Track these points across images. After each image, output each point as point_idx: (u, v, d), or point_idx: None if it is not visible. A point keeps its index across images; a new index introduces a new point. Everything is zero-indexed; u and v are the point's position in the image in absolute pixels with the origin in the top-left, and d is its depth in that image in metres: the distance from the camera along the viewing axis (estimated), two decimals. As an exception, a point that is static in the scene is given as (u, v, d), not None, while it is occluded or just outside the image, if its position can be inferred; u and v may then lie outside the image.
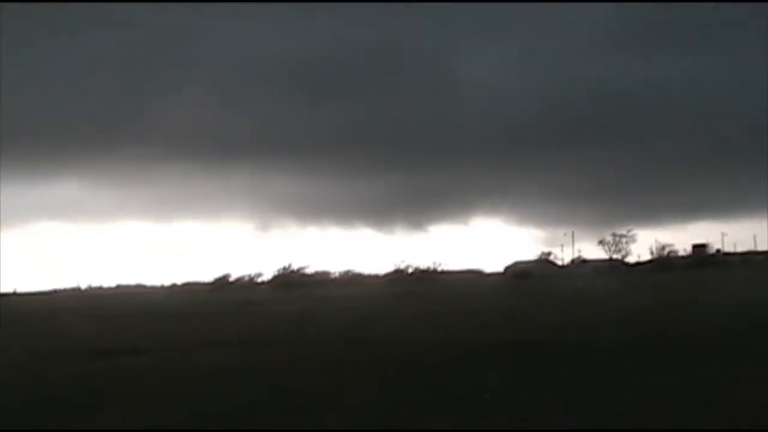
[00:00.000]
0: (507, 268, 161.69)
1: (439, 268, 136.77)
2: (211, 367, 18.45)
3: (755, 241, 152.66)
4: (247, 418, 12.02)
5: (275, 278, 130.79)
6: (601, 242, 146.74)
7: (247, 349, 21.95)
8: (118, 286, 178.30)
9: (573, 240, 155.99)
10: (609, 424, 10.80)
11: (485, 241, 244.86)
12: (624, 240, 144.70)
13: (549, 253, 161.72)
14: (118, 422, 12.00)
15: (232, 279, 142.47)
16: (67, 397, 14.63)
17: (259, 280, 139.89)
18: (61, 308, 67.79)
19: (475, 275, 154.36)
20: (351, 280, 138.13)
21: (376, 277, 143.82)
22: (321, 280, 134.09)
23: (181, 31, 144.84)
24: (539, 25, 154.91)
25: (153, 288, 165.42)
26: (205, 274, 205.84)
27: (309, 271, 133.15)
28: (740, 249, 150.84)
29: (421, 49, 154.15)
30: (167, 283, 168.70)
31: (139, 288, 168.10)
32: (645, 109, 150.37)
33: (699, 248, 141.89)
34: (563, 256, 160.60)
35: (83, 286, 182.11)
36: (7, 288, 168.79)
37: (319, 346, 22.41)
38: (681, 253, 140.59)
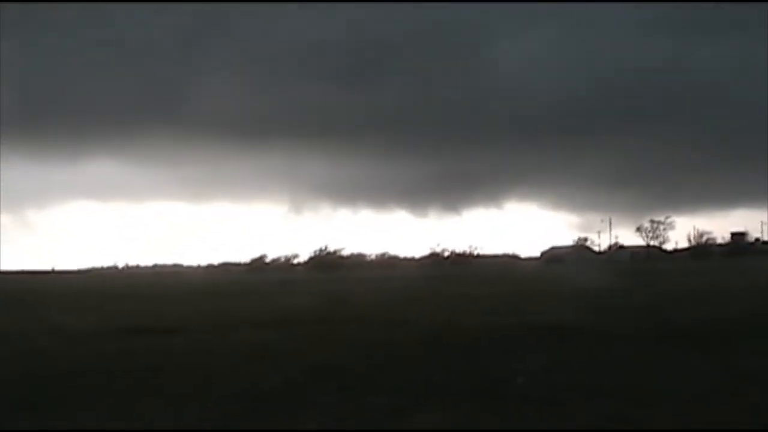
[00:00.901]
0: (543, 253, 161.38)
1: (475, 253, 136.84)
2: (247, 347, 18.65)
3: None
4: (282, 397, 12.17)
5: (311, 260, 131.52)
6: (638, 229, 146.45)
7: (284, 329, 22.14)
8: (155, 266, 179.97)
9: (610, 226, 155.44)
10: (639, 408, 10.87)
11: (520, 226, 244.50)
12: (662, 227, 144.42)
13: (586, 239, 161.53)
14: (154, 402, 12.16)
15: (268, 260, 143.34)
16: (106, 374, 14.85)
17: (295, 261, 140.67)
18: (99, 286, 68.46)
19: (511, 260, 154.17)
20: (387, 262, 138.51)
21: (411, 260, 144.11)
22: (357, 262, 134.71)
23: (216, 14, 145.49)
24: (574, 12, 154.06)
25: (189, 268, 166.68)
26: (240, 254, 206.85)
27: (345, 253, 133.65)
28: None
29: (456, 34, 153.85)
30: (203, 263, 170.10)
31: (176, 268, 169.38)
32: (685, 96, 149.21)
33: (737, 236, 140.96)
34: (600, 242, 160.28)
35: (120, 265, 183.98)
36: (45, 266, 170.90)
37: (355, 327, 22.56)
38: (719, 240, 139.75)
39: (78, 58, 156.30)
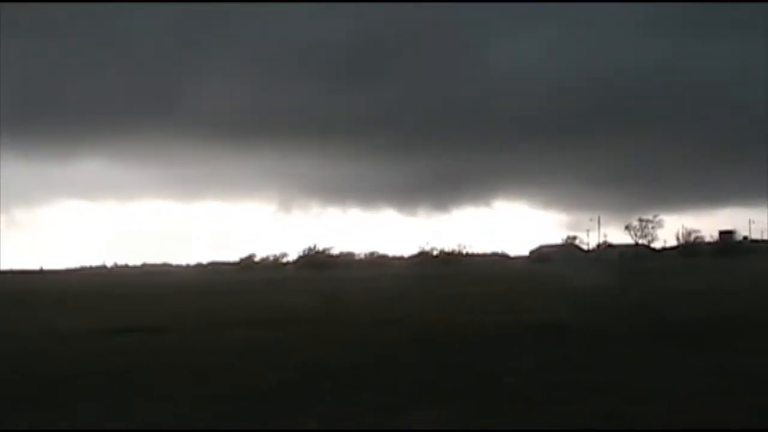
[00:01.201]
0: (532, 252, 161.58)
1: (464, 251, 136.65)
2: (242, 346, 18.66)
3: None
4: (278, 395, 12.18)
5: (301, 259, 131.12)
6: (627, 227, 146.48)
7: (277, 328, 22.14)
8: (144, 265, 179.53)
9: (599, 225, 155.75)
10: (633, 406, 10.92)
11: (509, 225, 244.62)
12: (650, 225, 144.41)
13: (574, 238, 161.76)
14: (150, 401, 12.16)
15: (257, 259, 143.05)
16: (105, 374, 14.83)
17: (285, 260, 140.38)
18: (90, 286, 68.25)
19: (500, 258, 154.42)
20: (376, 261, 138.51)
21: (401, 258, 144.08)
22: (346, 261, 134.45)
23: (209, 14, 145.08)
24: (574, 12, 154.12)
25: (179, 267, 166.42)
26: (229, 253, 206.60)
27: (334, 252, 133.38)
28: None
29: (456, 34, 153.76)
30: (192, 262, 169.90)
31: (165, 267, 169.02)
32: (673, 95, 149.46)
33: (726, 235, 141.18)
34: (589, 240, 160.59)
35: (109, 265, 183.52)
36: (33, 265, 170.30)
37: (348, 326, 22.58)
38: (708, 239, 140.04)
39: (71, 57, 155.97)
